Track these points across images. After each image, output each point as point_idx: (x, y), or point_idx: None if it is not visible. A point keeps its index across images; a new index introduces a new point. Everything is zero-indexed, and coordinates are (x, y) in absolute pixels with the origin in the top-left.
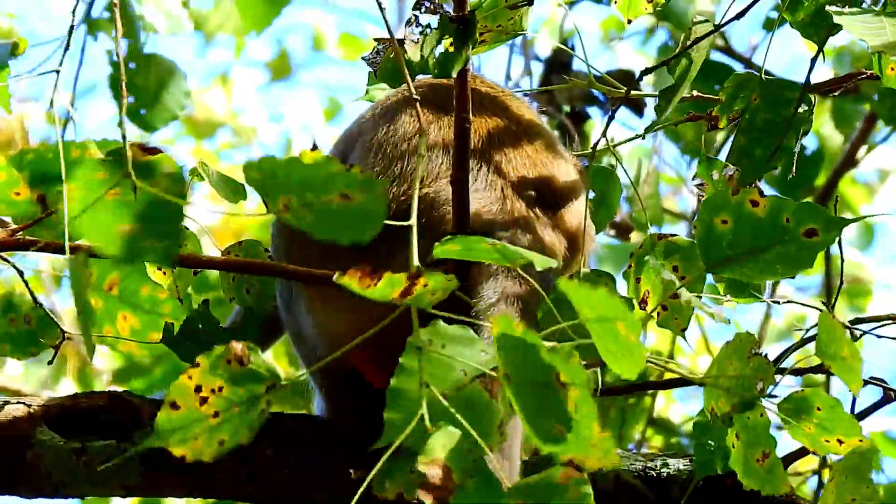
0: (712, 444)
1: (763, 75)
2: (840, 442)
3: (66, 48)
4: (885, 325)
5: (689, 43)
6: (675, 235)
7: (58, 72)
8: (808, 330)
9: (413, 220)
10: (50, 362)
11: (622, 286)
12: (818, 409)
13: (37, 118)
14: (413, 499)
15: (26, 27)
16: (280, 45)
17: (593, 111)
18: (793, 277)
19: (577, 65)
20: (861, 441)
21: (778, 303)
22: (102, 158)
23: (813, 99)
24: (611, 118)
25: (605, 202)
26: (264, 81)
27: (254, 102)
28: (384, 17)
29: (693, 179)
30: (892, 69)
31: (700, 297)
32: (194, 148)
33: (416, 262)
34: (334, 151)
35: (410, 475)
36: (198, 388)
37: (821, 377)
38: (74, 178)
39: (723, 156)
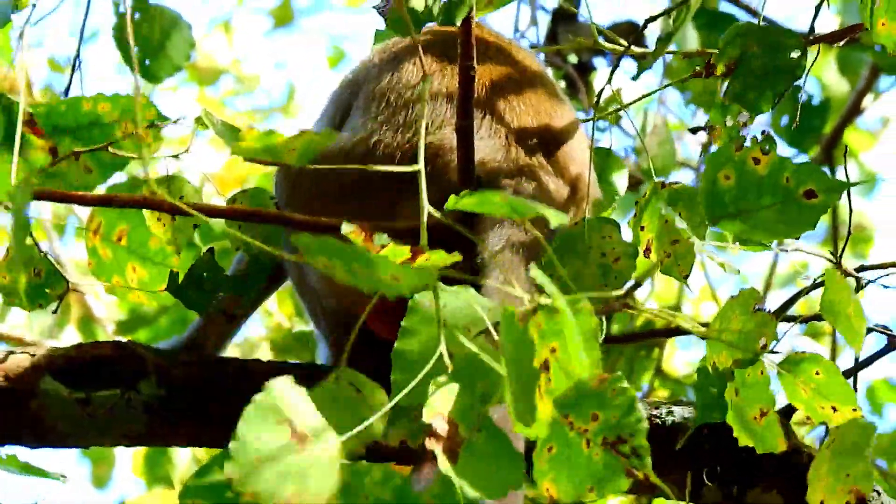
0: (714, 389)
1: (761, 22)
2: (834, 409)
3: None
4: (890, 273)
5: None
6: (678, 183)
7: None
8: (815, 279)
9: (421, 165)
10: (55, 311)
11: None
12: (817, 373)
13: (40, 66)
14: (418, 447)
15: None
16: None
17: (599, 62)
18: (796, 238)
19: (584, 15)
20: (855, 410)
21: (785, 251)
22: None
23: (817, 49)
24: (613, 70)
25: (606, 181)
26: (267, 28)
27: (257, 49)
28: None
29: (705, 125)
30: (883, 24)
31: (704, 243)
32: (198, 95)
33: (426, 208)
34: (339, 96)
35: (413, 424)
36: None
37: (827, 325)
38: None
39: None
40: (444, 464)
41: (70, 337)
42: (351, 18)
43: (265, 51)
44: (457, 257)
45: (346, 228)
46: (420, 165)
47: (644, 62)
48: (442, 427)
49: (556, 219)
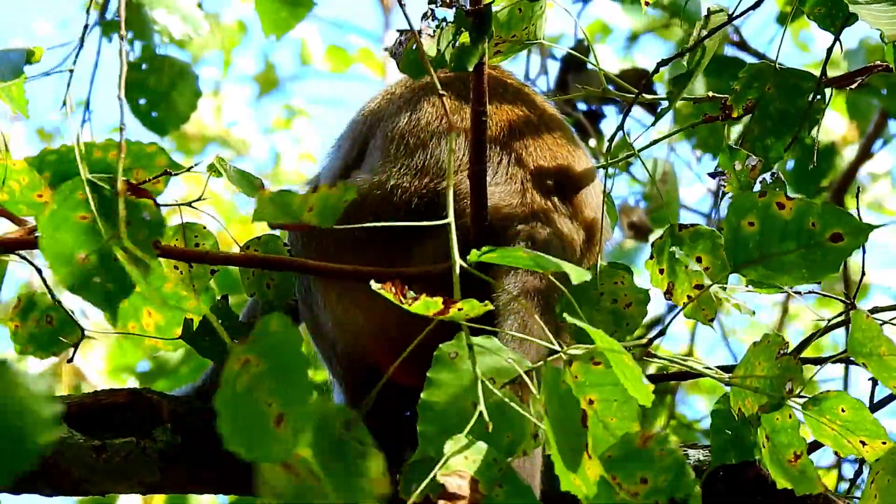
0: (729, 432)
1: (777, 66)
2: (863, 443)
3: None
4: None
5: (704, 34)
6: (696, 225)
7: (71, 71)
8: (829, 320)
9: (450, 211)
10: (70, 360)
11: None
12: (842, 410)
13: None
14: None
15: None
16: (267, 59)
17: (609, 109)
18: (818, 283)
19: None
20: (885, 443)
21: (800, 294)
22: (90, 179)
23: (830, 91)
24: (624, 117)
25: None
26: (253, 96)
27: (244, 116)
28: (403, 9)
29: (716, 168)
30: None
31: (724, 289)
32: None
33: (457, 260)
34: (357, 129)
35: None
36: None
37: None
38: (59, 190)
39: None
40: None
41: None
42: (335, 84)
43: (252, 117)
44: (487, 307)
45: (376, 286)
46: (451, 218)
47: (662, 109)
48: (457, 485)
49: (577, 276)
